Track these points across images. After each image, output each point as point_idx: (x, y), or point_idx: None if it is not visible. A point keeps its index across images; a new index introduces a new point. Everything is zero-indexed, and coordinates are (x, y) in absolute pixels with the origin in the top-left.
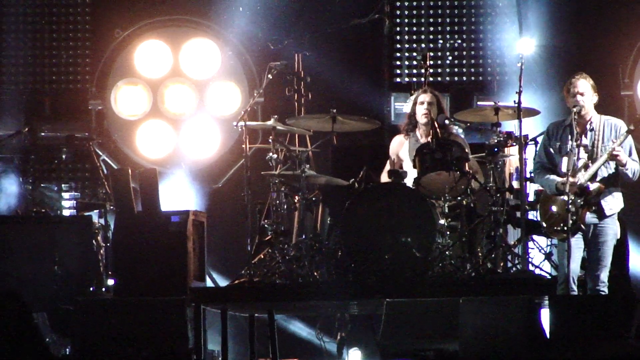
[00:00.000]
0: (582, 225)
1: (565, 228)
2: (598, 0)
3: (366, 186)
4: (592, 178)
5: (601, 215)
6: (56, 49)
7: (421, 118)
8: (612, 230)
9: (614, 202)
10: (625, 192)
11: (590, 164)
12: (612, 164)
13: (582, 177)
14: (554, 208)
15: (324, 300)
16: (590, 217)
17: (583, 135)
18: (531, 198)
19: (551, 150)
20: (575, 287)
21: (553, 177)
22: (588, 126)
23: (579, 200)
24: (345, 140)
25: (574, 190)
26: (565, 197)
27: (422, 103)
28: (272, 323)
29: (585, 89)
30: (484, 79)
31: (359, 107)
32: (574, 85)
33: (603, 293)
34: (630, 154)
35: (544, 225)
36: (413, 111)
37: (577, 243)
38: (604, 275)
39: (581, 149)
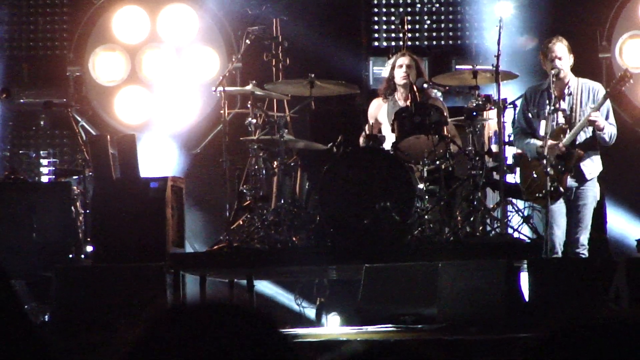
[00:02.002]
0: (562, 189)
1: (545, 192)
2: None
3: (344, 151)
4: (572, 143)
5: (581, 179)
6: (33, 15)
7: (400, 81)
8: (592, 192)
9: (593, 166)
10: (603, 156)
11: (568, 130)
12: (590, 129)
13: (561, 144)
14: (535, 174)
15: (302, 265)
16: (570, 181)
17: (561, 100)
18: (509, 162)
19: (529, 115)
20: (560, 254)
21: (534, 141)
22: (566, 90)
23: (559, 166)
24: (324, 105)
25: (557, 152)
26: (545, 162)
27: (401, 66)
28: (251, 288)
29: (562, 52)
30: (462, 43)
31: (337, 72)
32: (551, 50)
33: (583, 256)
34: (607, 117)
35: (524, 190)
36: (391, 75)
37: (560, 209)
38: (584, 238)
39: (559, 113)
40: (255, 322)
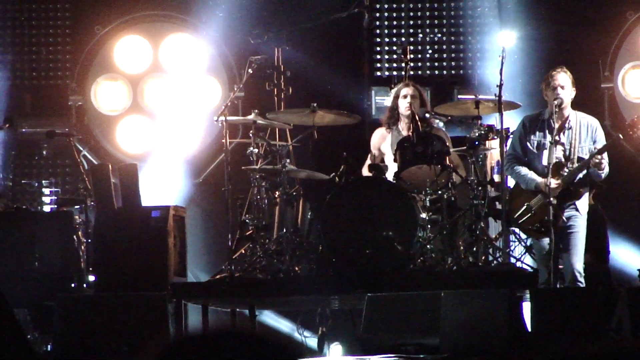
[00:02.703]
0: (562, 220)
1: (542, 227)
2: None
3: (347, 180)
4: (572, 180)
5: (573, 209)
6: (36, 45)
7: (404, 111)
8: (582, 221)
9: (584, 202)
10: (604, 186)
11: (568, 164)
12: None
13: (564, 181)
14: (528, 204)
15: (304, 295)
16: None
17: (561, 133)
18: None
19: (528, 144)
20: (557, 284)
21: (532, 175)
22: (566, 125)
23: (558, 203)
24: (326, 134)
25: (559, 191)
26: (542, 196)
27: (405, 96)
28: (253, 318)
29: (565, 82)
30: (464, 72)
31: (340, 101)
32: (554, 78)
33: (581, 284)
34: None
35: (514, 219)
36: (395, 104)
37: (548, 243)
38: (580, 266)
39: (559, 146)
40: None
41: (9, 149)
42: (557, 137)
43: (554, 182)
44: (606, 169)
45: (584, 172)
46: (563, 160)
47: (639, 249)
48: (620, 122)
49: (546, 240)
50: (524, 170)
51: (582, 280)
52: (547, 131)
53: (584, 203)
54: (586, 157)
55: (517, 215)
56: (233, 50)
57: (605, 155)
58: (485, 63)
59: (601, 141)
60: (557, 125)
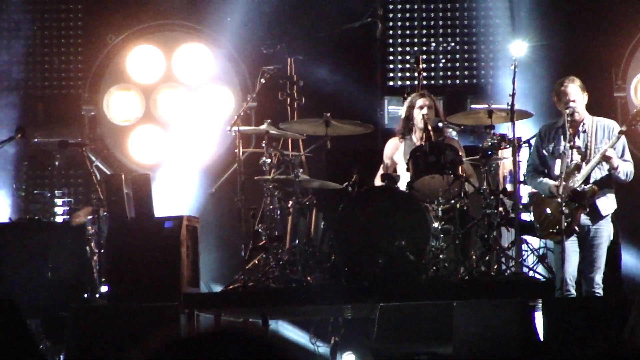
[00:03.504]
0: (577, 228)
1: (559, 231)
2: (590, 1)
3: (359, 190)
4: (586, 180)
5: (596, 216)
6: (49, 54)
7: (419, 123)
8: (606, 232)
9: (607, 204)
10: (617, 194)
11: (583, 165)
12: (606, 166)
13: (575, 181)
14: (548, 210)
15: (317, 304)
16: (584, 219)
17: (576, 137)
18: (525, 200)
19: (544, 152)
20: (573, 291)
21: (546, 180)
22: (580, 128)
23: (573, 203)
24: (339, 144)
25: (568, 194)
26: (559, 200)
27: (422, 107)
28: (266, 328)
29: (576, 94)
30: (477, 82)
31: (352, 111)
32: (564, 93)
33: (598, 295)
34: (622, 155)
35: (538, 227)
36: (409, 114)
37: (573, 246)
38: (599, 277)
39: (574, 150)
40: (268, 352)
41: (22, 159)
42: (572, 142)
43: (564, 184)
44: (626, 169)
45: (605, 173)
46: (580, 162)
47: None
48: (625, 118)
49: (567, 245)
50: (540, 178)
51: (600, 291)
52: (562, 137)
53: (606, 204)
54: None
55: (539, 223)
56: (246, 60)
57: (619, 152)
58: (498, 72)
59: (619, 144)
60: (571, 131)
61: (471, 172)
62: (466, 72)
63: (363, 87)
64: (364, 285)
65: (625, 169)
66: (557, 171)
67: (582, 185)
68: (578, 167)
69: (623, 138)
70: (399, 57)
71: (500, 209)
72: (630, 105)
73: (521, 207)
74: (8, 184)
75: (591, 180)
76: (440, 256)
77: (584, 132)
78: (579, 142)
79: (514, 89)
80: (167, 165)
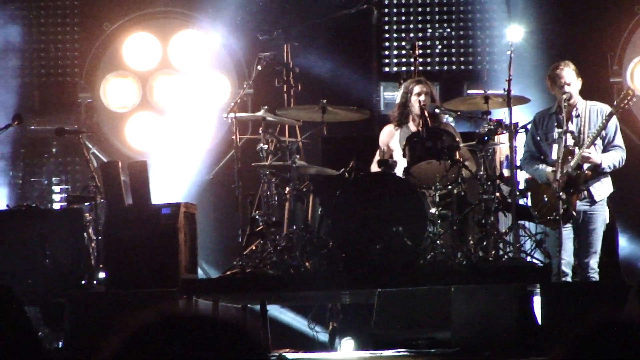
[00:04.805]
0: (574, 213)
1: (557, 217)
2: None
3: (356, 176)
4: (579, 166)
5: (591, 201)
6: (45, 42)
7: (416, 109)
8: (601, 216)
9: (602, 188)
10: (614, 178)
11: (576, 150)
12: (599, 149)
13: (569, 166)
14: (545, 197)
15: (315, 290)
16: (580, 204)
17: (569, 122)
18: (521, 186)
19: (538, 138)
20: (569, 277)
21: (543, 166)
22: (574, 112)
23: (569, 189)
24: (335, 130)
25: (563, 180)
26: (556, 186)
27: (419, 94)
28: (264, 314)
29: (570, 78)
30: (473, 68)
31: (349, 97)
32: (559, 76)
33: (594, 279)
34: (614, 139)
35: (536, 214)
36: (405, 100)
37: (568, 233)
38: (594, 262)
39: (568, 135)
40: (243, 343)
41: (18, 147)
42: (565, 127)
43: (559, 172)
44: (611, 161)
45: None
46: (573, 146)
47: None
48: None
49: (563, 231)
50: (536, 164)
51: (596, 275)
52: (555, 124)
53: (600, 189)
54: (599, 142)
55: (537, 210)
56: (242, 47)
57: (610, 135)
58: (494, 58)
59: (611, 126)
60: (564, 116)
61: (468, 156)
62: (462, 58)
63: (359, 73)
64: (362, 271)
65: (611, 161)
66: (554, 156)
67: (576, 171)
68: (571, 152)
69: (615, 120)
70: (395, 43)
71: (497, 194)
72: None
73: (517, 192)
74: (5, 171)
75: (585, 166)
76: (438, 242)
77: (578, 116)
78: (572, 127)
79: (510, 74)
80: (164, 152)
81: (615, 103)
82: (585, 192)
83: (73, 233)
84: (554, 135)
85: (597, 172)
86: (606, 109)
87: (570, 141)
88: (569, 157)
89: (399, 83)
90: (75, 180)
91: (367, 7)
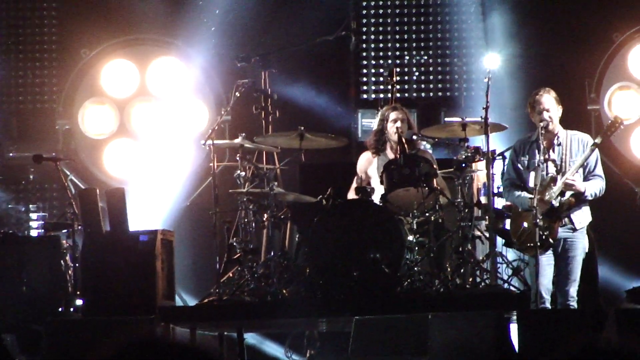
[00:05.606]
0: (552, 240)
1: (537, 244)
2: (564, 14)
3: (334, 203)
4: (561, 193)
5: (572, 228)
6: (22, 69)
7: (393, 136)
8: (581, 244)
9: (583, 216)
10: (592, 206)
11: (559, 178)
12: (580, 178)
13: (552, 194)
14: (525, 224)
15: (293, 317)
16: (561, 231)
17: (550, 150)
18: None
19: (519, 166)
20: (548, 304)
21: (524, 194)
22: (555, 141)
23: (550, 216)
24: (313, 157)
25: (545, 208)
26: (535, 213)
27: (395, 121)
28: (241, 342)
29: (550, 104)
30: (451, 94)
31: (327, 124)
32: (538, 102)
33: (572, 307)
34: (594, 169)
35: (515, 241)
36: (382, 128)
37: (548, 260)
38: (573, 290)
39: (549, 163)
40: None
41: None
42: (547, 155)
43: (539, 197)
44: (593, 190)
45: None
46: (556, 174)
47: (626, 270)
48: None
49: (542, 258)
50: (517, 192)
51: (575, 304)
52: (537, 150)
53: (581, 217)
54: (580, 170)
55: (517, 237)
56: (220, 74)
57: (592, 165)
58: (471, 85)
59: (592, 156)
60: (545, 144)
61: (443, 186)
62: (440, 85)
63: (337, 100)
64: (339, 298)
65: (593, 190)
66: (531, 183)
67: (559, 198)
68: (554, 180)
69: (597, 151)
70: (373, 70)
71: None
72: (604, 118)
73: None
74: None
75: (567, 194)
76: (415, 269)
77: (559, 145)
78: (554, 155)
79: (487, 101)
80: (141, 179)
81: (602, 131)
82: (567, 219)
83: (50, 260)
84: (535, 163)
85: (580, 199)
86: (587, 138)
87: (551, 169)
88: (552, 184)
89: (377, 110)
90: (52, 207)
91: (345, 34)
